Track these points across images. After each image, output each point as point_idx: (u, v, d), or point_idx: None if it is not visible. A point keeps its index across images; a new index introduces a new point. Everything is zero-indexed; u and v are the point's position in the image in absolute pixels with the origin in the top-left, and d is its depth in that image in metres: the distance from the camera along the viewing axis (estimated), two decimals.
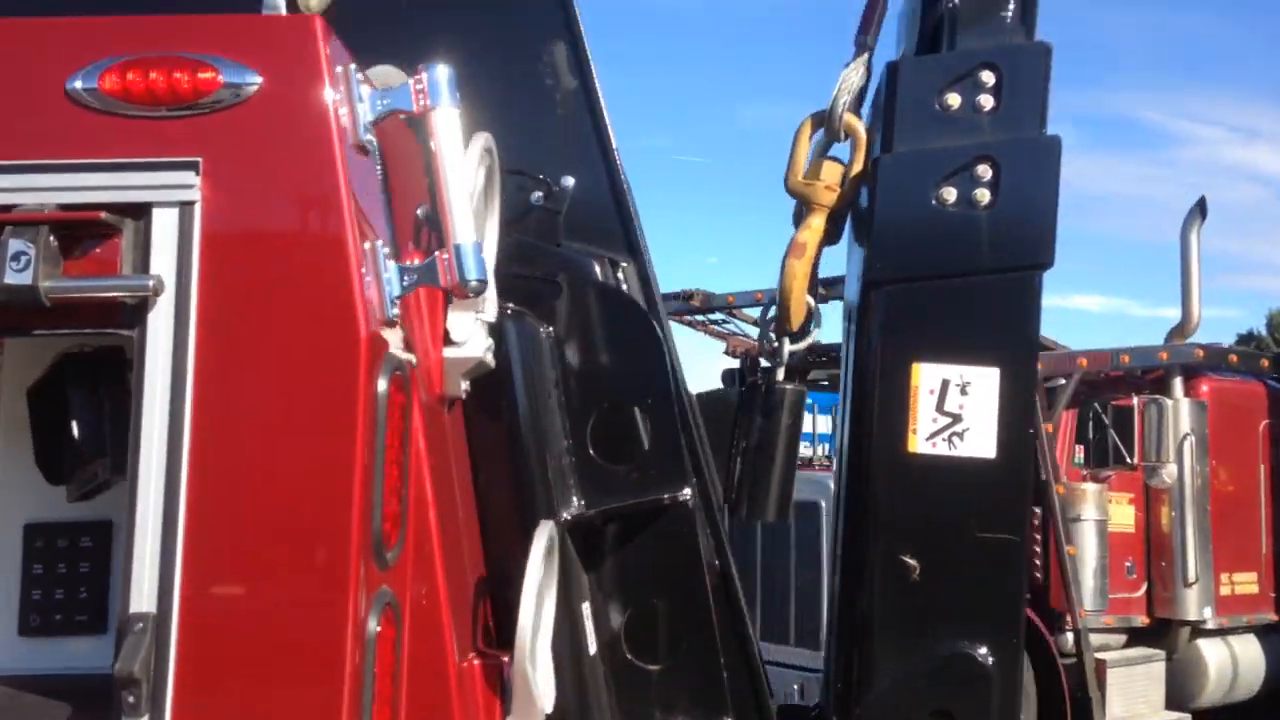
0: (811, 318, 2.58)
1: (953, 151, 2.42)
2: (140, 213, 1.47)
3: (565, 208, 2.45)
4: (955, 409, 2.40)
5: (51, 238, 1.42)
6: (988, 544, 2.38)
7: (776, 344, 2.59)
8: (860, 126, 2.54)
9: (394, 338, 1.53)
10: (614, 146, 2.50)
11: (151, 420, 1.43)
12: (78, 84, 1.48)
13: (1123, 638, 10.57)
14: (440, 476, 1.68)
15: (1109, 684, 9.84)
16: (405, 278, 1.51)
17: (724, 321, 11.21)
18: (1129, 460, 10.20)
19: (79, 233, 1.44)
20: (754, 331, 11.86)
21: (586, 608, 2.18)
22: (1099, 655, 9.88)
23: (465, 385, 1.81)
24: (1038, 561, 9.74)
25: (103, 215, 1.43)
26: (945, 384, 2.40)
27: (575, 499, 2.21)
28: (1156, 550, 10.59)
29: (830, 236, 2.56)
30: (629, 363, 2.30)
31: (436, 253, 1.55)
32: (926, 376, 2.41)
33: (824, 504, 9.10)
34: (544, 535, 1.77)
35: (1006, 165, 2.40)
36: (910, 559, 2.38)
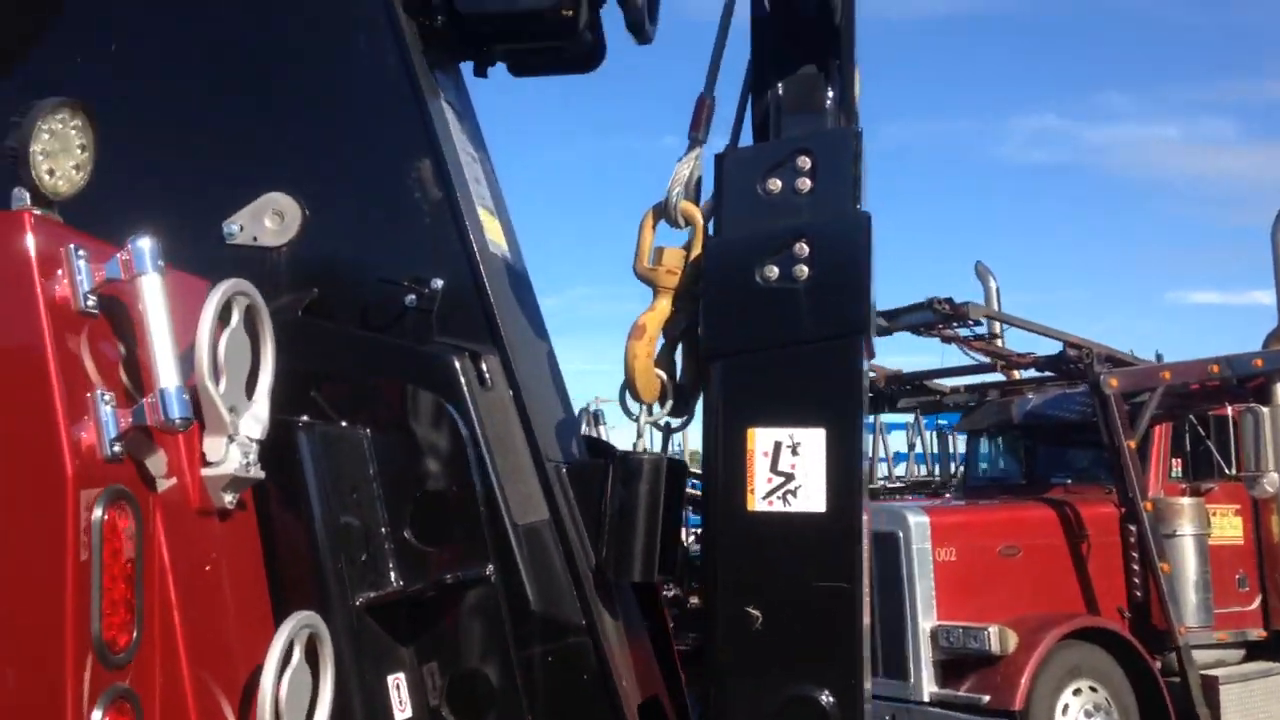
0: (665, 390, 2.81)
1: (774, 232, 2.64)
2: None
3: (436, 307, 2.75)
4: (788, 468, 2.60)
5: None
6: (824, 592, 2.57)
7: (635, 416, 2.82)
8: (696, 213, 2.78)
9: (126, 470, 1.86)
10: (475, 248, 2.79)
11: None
12: None
13: (1240, 653, 10.27)
14: (193, 580, 1.99)
15: (1224, 701, 9.56)
16: (120, 421, 1.84)
17: None
18: (1228, 471, 9.93)
19: None
20: None
21: (397, 679, 2.48)
22: (1212, 672, 9.62)
23: (230, 497, 2.12)
24: (1136, 580, 9.58)
25: None
26: (778, 445, 2.61)
27: (394, 578, 2.51)
28: (1269, 561, 10.27)
29: (677, 317, 2.79)
30: (433, 456, 2.60)
31: (144, 398, 1.87)
32: (761, 440, 2.62)
33: (901, 535, 9.16)
34: (288, 625, 2.06)
35: (820, 242, 2.61)
36: (753, 609, 2.59)
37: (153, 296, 1.86)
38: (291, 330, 2.67)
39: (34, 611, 1.76)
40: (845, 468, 2.58)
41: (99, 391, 1.82)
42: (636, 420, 2.81)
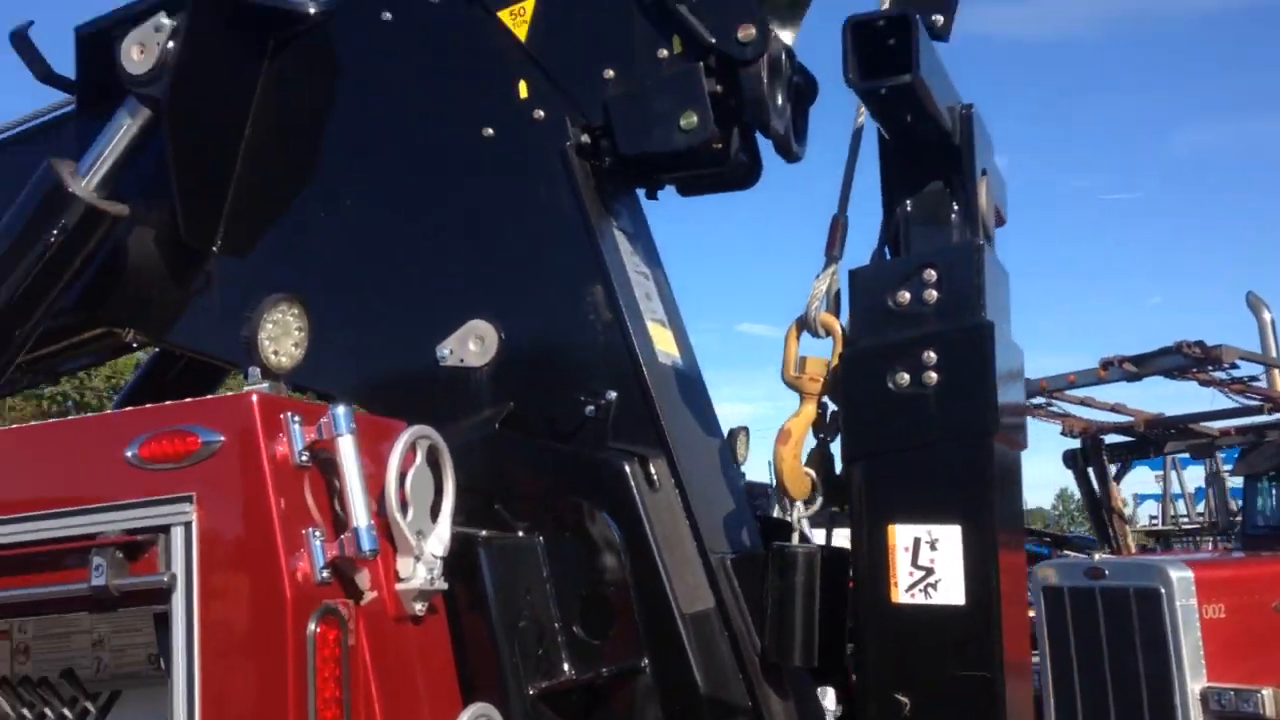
0: (816, 488, 3.04)
1: (904, 343, 2.85)
2: (164, 530, 2.35)
3: (611, 416, 3.11)
4: (927, 563, 2.79)
5: (117, 552, 2.33)
6: (967, 680, 2.74)
7: (788, 512, 3.08)
8: (836, 324, 3.02)
9: (334, 591, 2.31)
10: (643, 361, 3.13)
11: (178, 653, 2.29)
12: (129, 453, 2.39)
13: None
14: (392, 676, 2.42)
15: None
16: (327, 552, 2.28)
17: (1048, 404, 11.05)
18: None
19: (132, 548, 2.34)
20: (1084, 410, 11.56)
21: None
22: None
23: (420, 606, 2.53)
24: None
25: (139, 537, 2.33)
26: (917, 541, 2.80)
27: (566, 669, 2.87)
28: None
29: (823, 420, 3.04)
30: (604, 555, 2.94)
31: (342, 534, 2.30)
32: (901, 536, 2.82)
33: (1164, 590, 8.79)
34: (466, 714, 2.44)
35: (947, 351, 2.80)
36: (901, 696, 2.78)
37: (347, 453, 2.32)
38: (490, 442, 3.11)
39: (265, 709, 2.22)
40: (981, 561, 2.74)
41: (311, 529, 2.29)
42: (790, 518, 3.05)
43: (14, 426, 3.11)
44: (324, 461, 2.37)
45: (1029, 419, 11.62)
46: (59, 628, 2.53)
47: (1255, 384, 9.67)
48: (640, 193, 3.60)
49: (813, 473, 3.04)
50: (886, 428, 2.87)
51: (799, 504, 3.06)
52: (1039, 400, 11.02)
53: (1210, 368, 9.22)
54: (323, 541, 2.29)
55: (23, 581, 2.48)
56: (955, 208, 2.99)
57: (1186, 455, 13.92)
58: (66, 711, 2.62)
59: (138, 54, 3.31)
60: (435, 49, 3.44)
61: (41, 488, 2.57)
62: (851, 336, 2.97)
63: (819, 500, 3.05)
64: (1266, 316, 12.68)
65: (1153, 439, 11.86)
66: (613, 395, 3.11)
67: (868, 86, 2.80)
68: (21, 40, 3.52)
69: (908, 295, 2.89)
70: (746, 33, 3.05)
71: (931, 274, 2.87)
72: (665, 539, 2.98)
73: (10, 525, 2.51)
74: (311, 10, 3.49)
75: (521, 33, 3.35)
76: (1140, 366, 9.47)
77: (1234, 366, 9.22)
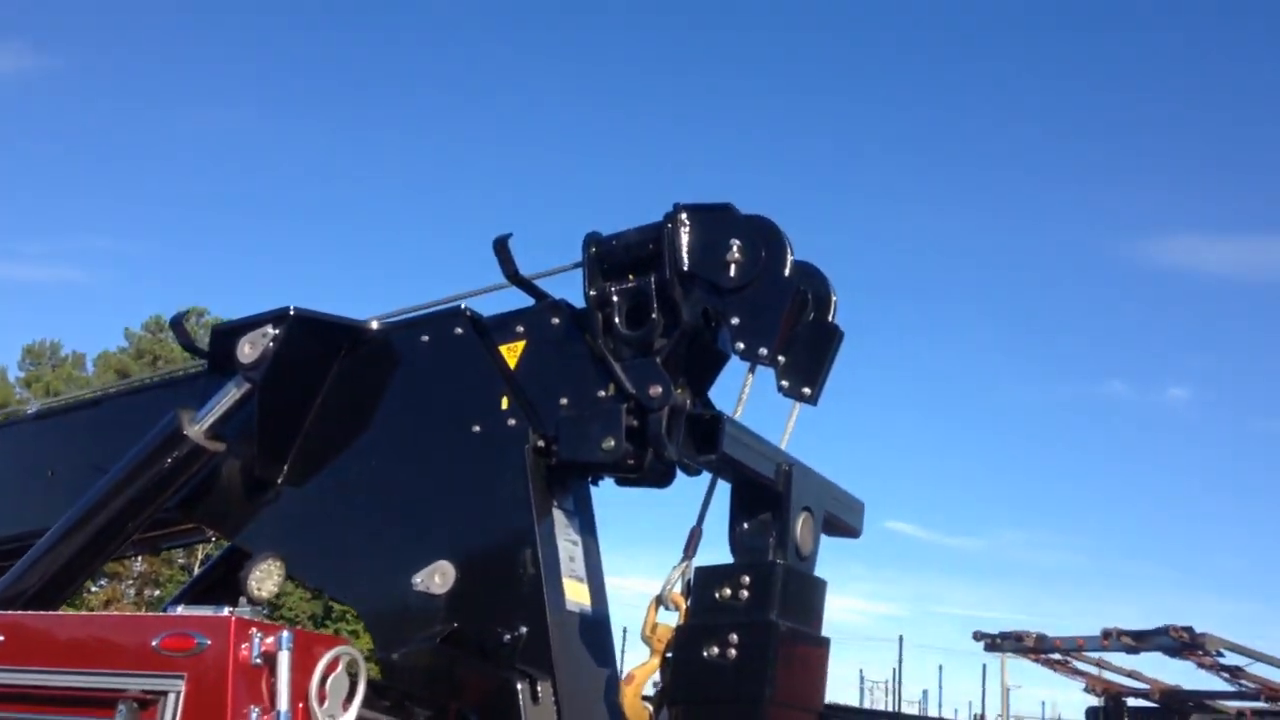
0: (651, 719, 4.21)
1: (719, 625, 4.06)
2: (165, 694, 3.66)
3: (519, 645, 4.36)
4: None
5: (134, 703, 3.63)
6: None
7: None
8: (682, 603, 4.24)
9: None
10: (548, 608, 4.39)
11: None
12: (154, 642, 3.73)
13: None
14: None
15: None
16: None
17: (1065, 661, 11.73)
18: None
19: (144, 702, 3.65)
20: (1105, 673, 12.16)
21: None
22: None
23: None
24: None
25: (149, 696, 3.64)
26: None
27: None
28: None
29: (664, 671, 4.23)
30: None
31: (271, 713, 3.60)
32: None
33: None
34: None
35: (744, 635, 4.00)
36: None
37: (283, 661, 3.61)
38: (431, 651, 4.40)
39: None
40: None
41: (254, 707, 3.59)
42: None
43: (87, 614, 4.56)
44: (271, 664, 3.67)
45: (1052, 672, 12.21)
46: None
47: (1247, 672, 10.23)
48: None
49: (649, 708, 4.22)
50: (696, 684, 4.06)
51: None
52: (1057, 657, 11.73)
53: (1200, 652, 9.89)
54: (259, 715, 3.58)
55: (64, 712, 3.83)
56: (773, 535, 4.21)
57: None
58: None
59: (249, 349, 4.85)
60: (454, 365, 4.87)
61: (97, 654, 3.91)
62: (689, 614, 4.19)
63: None
64: None
65: (1175, 708, 12.34)
66: (523, 630, 4.38)
67: (687, 460, 4.14)
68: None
69: (729, 591, 4.11)
70: (655, 390, 4.39)
71: (746, 579, 4.09)
72: None
73: (70, 676, 3.86)
74: (374, 327, 5.01)
75: (512, 362, 4.78)
76: (1138, 641, 10.20)
77: (1219, 654, 9.87)
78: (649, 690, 4.25)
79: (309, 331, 4.90)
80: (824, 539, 4.51)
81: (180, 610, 3.93)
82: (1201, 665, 10.21)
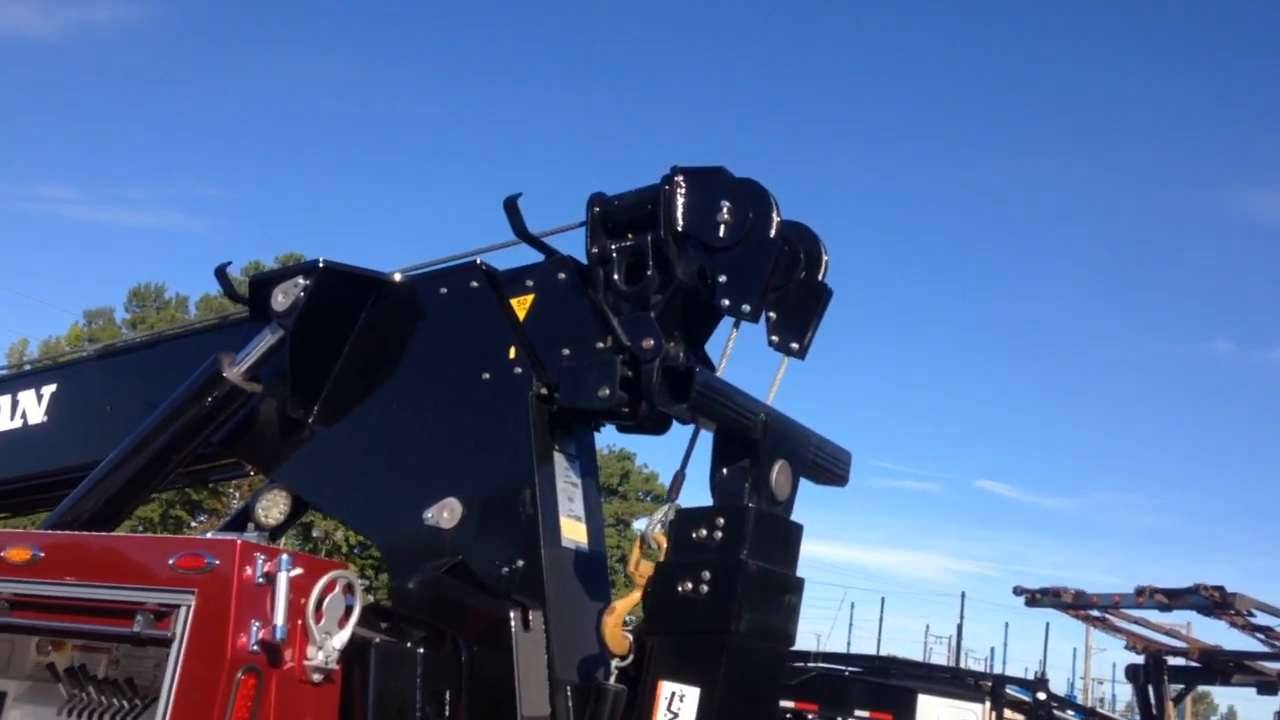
0: (630, 649, 4.55)
1: (693, 562, 4.38)
2: (177, 607, 4.08)
3: (516, 577, 4.73)
4: (676, 710, 4.25)
5: (150, 614, 4.11)
6: None
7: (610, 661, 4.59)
8: (664, 541, 4.56)
9: (259, 657, 3.99)
10: (543, 544, 4.75)
11: (167, 676, 4.07)
12: (170, 561, 4.13)
13: None
14: (288, 715, 4.05)
15: None
16: (259, 633, 3.99)
17: (1103, 617, 11.85)
18: None
19: (159, 613, 4.09)
20: (1145, 631, 12.24)
21: None
22: None
23: (319, 676, 4.16)
24: None
25: (162, 608, 4.08)
26: (672, 694, 4.22)
27: None
28: None
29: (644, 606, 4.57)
30: (474, 669, 4.55)
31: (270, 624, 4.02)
32: (664, 689, 4.21)
33: None
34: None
35: (715, 572, 4.31)
36: None
37: (282, 582, 4.01)
38: (436, 581, 4.80)
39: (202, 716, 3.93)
40: (706, 715, 4.20)
41: (255, 620, 4.01)
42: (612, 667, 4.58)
43: (114, 534, 5.05)
44: (274, 584, 4.08)
45: (1088, 630, 12.40)
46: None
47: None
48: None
49: (630, 638, 4.56)
50: (670, 617, 4.39)
51: (617, 658, 4.58)
52: (1096, 613, 11.86)
53: (1232, 611, 9.97)
54: (259, 627, 3.98)
55: (92, 620, 4.30)
56: (749, 481, 4.51)
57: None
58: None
59: (282, 298, 5.25)
60: (469, 315, 5.23)
61: (121, 570, 4.37)
62: (668, 553, 4.52)
63: (631, 657, 4.57)
64: None
65: (1218, 668, 12.41)
66: (520, 563, 4.75)
67: (663, 409, 4.45)
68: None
69: (704, 532, 4.43)
70: (648, 343, 4.69)
71: (720, 520, 4.40)
72: (526, 664, 4.56)
73: (97, 589, 4.32)
74: (398, 279, 5.38)
75: (522, 314, 5.12)
76: (1171, 599, 10.30)
77: (1250, 614, 9.93)
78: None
79: (337, 282, 5.29)
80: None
81: (209, 534, 4.39)
82: (1234, 625, 10.28)
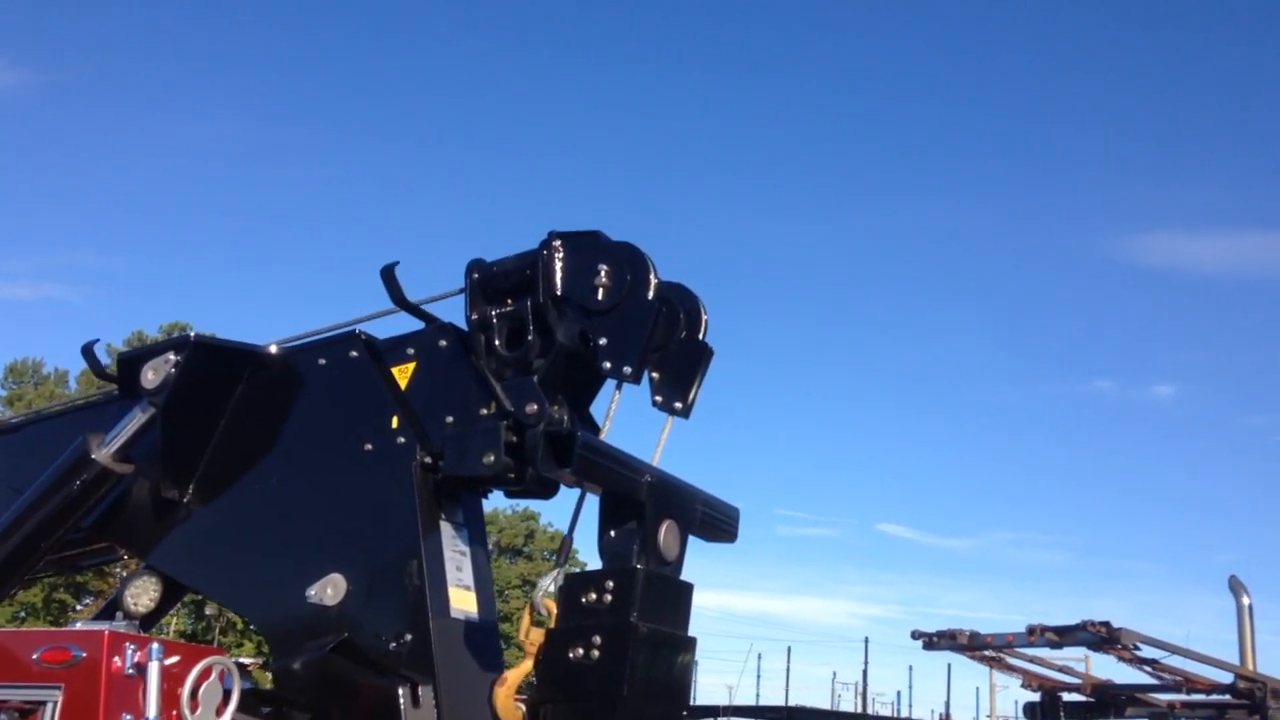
0: (524, 717, 4.48)
1: (583, 627, 4.34)
2: (44, 704, 3.93)
3: (404, 652, 4.63)
4: None
5: (16, 712, 3.95)
6: None
7: None
8: (553, 608, 4.51)
9: None
10: (431, 616, 4.67)
11: None
12: (35, 656, 3.99)
13: None
14: None
15: None
16: None
17: (997, 658, 12.04)
18: None
19: (25, 711, 3.93)
20: (1040, 669, 12.48)
21: None
22: None
23: None
24: None
25: (29, 705, 3.94)
26: None
27: None
28: None
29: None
30: None
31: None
32: None
33: None
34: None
35: (605, 636, 4.27)
36: None
37: (153, 672, 3.89)
38: (321, 660, 4.66)
39: None
40: None
41: (126, 714, 3.86)
42: None
43: None
44: (144, 674, 3.94)
45: (990, 670, 12.50)
46: None
47: (1166, 663, 10.57)
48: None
49: (523, 708, 4.49)
50: (562, 684, 4.33)
51: None
52: (990, 653, 12.05)
53: (1119, 645, 10.22)
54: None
55: None
56: (636, 545, 4.49)
57: None
58: None
59: (151, 375, 5.11)
60: (349, 386, 5.15)
61: None
62: (558, 618, 4.47)
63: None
64: (1245, 600, 13.50)
65: (1111, 702, 12.67)
66: (408, 637, 4.65)
67: (547, 474, 4.43)
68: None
69: (594, 596, 4.39)
70: (531, 408, 4.67)
71: (609, 584, 4.37)
72: None
73: None
74: (273, 351, 5.28)
75: (403, 383, 5.05)
76: (1061, 636, 10.52)
77: (1136, 648, 10.19)
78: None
79: (209, 357, 5.17)
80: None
81: (79, 625, 4.21)
82: (1121, 659, 10.54)
